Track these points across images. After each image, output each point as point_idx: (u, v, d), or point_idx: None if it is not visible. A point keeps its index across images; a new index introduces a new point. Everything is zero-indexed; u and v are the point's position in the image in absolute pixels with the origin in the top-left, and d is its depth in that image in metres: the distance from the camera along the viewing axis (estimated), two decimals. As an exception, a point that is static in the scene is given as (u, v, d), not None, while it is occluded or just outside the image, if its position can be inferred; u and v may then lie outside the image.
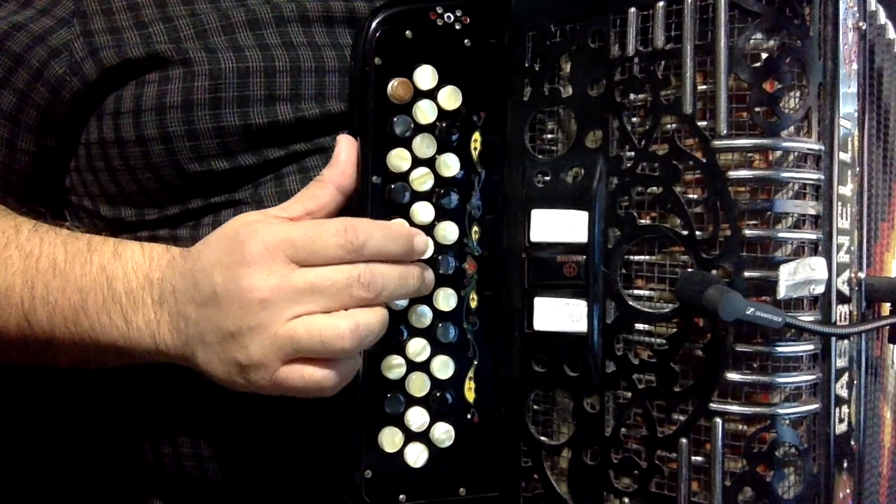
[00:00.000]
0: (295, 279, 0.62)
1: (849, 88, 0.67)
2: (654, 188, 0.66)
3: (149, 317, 0.67)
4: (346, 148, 0.69)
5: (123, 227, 0.78)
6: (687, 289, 0.62)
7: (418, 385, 0.70)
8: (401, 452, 0.70)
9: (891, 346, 0.75)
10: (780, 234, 0.63)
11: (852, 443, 0.69)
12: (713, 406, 0.64)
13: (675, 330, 0.65)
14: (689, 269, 0.64)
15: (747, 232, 0.63)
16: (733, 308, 0.59)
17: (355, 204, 0.69)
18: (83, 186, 0.80)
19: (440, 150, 0.71)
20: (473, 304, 0.73)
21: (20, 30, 0.75)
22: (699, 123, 0.64)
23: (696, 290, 0.61)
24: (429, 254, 0.71)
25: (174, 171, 0.74)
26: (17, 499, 0.95)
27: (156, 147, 0.74)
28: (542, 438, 0.71)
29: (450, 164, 0.72)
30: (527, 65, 0.72)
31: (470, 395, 0.73)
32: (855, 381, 0.69)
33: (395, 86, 0.70)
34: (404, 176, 0.70)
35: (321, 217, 0.67)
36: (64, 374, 0.85)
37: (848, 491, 0.69)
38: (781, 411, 0.64)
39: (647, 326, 0.67)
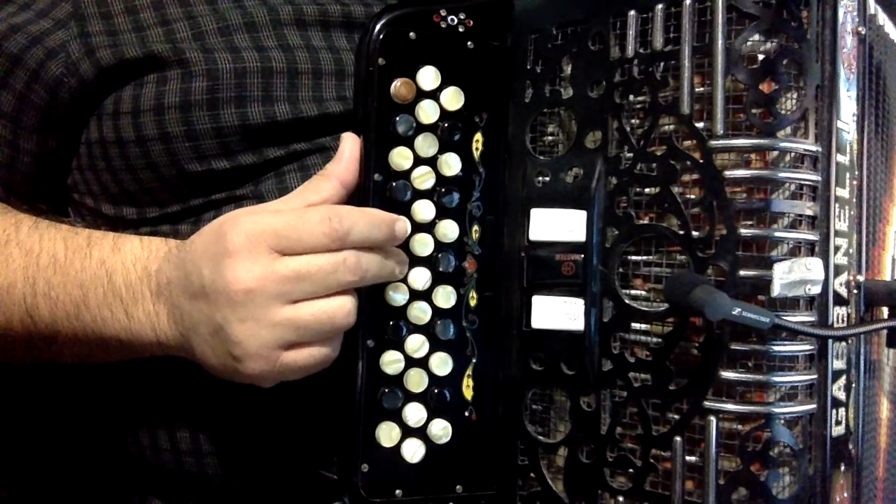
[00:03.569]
0: (279, 267, 0.63)
1: (848, 91, 0.67)
2: (652, 188, 0.67)
3: (148, 309, 0.68)
4: (350, 145, 0.70)
5: (125, 225, 0.79)
6: (674, 289, 0.62)
7: (416, 381, 0.71)
8: (398, 447, 0.70)
9: (888, 349, 0.75)
10: (776, 234, 0.64)
11: (850, 446, 0.68)
12: (708, 404, 0.64)
13: (671, 328, 0.66)
14: (686, 269, 0.65)
15: (743, 231, 0.63)
16: (719, 308, 0.59)
17: (357, 201, 0.70)
18: (85, 185, 0.81)
19: (442, 150, 0.72)
20: (473, 303, 0.73)
21: (17, 31, 0.76)
22: (697, 124, 0.65)
23: (683, 290, 0.61)
24: (429, 251, 0.71)
25: (174, 171, 0.75)
26: (17, 499, 0.95)
27: (155, 147, 0.75)
28: (539, 437, 0.72)
29: (451, 164, 0.73)
30: (528, 67, 0.73)
31: (468, 393, 0.73)
32: (853, 384, 0.68)
33: (398, 86, 0.71)
34: (406, 174, 0.71)
35: None
36: (62, 372, 0.86)
37: (846, 494, 0.68)
38: (777, 410, 0.64)
39: (643, 325, 0.67)
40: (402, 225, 0.68)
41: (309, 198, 0.68)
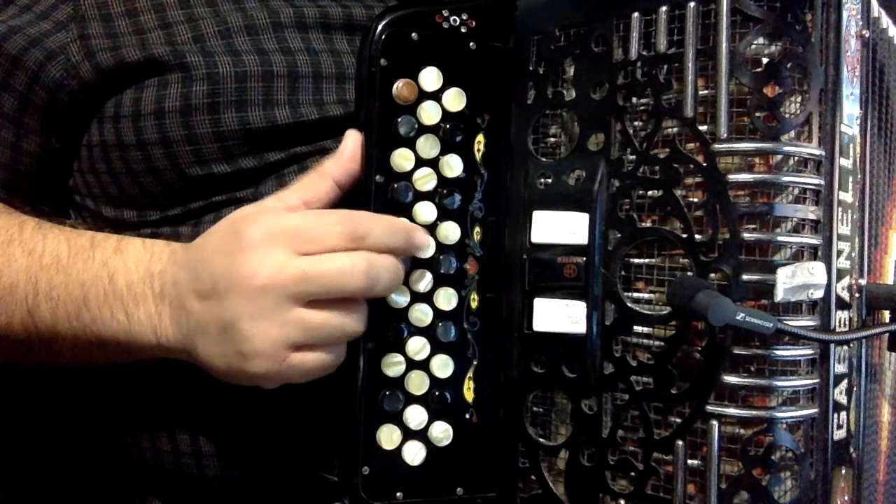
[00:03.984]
0: (294, 266, 0.63)
1: (852, 95, 0.67)
2: (655, 191, 0.66)
3: (150, 310, 0.68)
4: (351, 144, 0.69)
5: (126, 227, 0.78)
6: (677, 294, 0.62)
7: (417, 383, 0.71)
8: (398, 450, 0.70)
9: (889, 352, 0.75)
10: (779, 238, 0.63)
11: (851, 450, 0.68)
12: (710, 408, 0.64)
13: (673, 332, 0.65)
14: (688, 273, 0.65)
15: (746, 235, 0.63)
16: (723, 313, 0.59)
17: (358, 202, 0.70)
18: (86, 187, 0.81)
19: (444, 151, 0.72)
20: (474, 305, 0.73)
21: (17, 33, 0.75)
22: (700, 127, 0.65)
23: (686, 294, 0.61)
24: (430, 253, 0.71)
25: (175, 175, 0.75)
26: (17, 499, 0.95)
27: (156, 151, 0.74)
28: (540, 439, 0.72)
29: (453, 165, 0.72)
30: (531, 68, 0.73)
31: (469, 395, 0.73)
32: (855, 388, 0.68)
33: (400, 87, 0.70)
34: (408, 176, 0.71)
35: (317, 208, 0.68)
36: (63, 374, 0.86)
37: (846, 498, 0.68)
38: (778, 415, 0.64)
39: (645, 328, 0.67)
40: (422, 236, 0.68)
41: (304, 195, 0.67)
